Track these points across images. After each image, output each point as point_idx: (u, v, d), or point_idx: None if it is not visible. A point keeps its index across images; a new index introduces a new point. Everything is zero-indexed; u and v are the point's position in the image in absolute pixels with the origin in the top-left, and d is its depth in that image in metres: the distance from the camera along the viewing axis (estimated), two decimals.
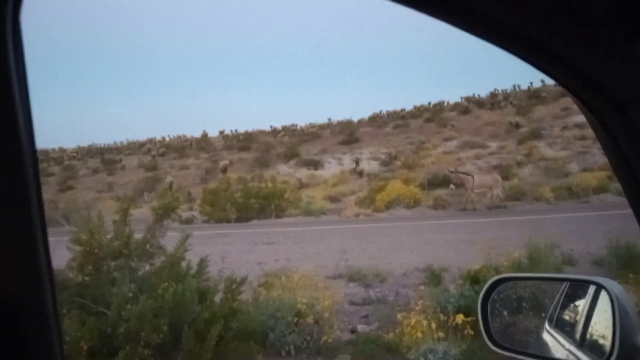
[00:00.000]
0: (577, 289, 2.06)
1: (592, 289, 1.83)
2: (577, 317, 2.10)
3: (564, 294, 2.22)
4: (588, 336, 1.98)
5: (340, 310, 8.66)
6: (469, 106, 48.09)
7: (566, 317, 2.21)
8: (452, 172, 23.26)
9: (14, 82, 0.42)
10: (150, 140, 54.67)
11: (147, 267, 7.47)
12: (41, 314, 0.44)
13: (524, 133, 35.19)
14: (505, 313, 1.97)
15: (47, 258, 0.46)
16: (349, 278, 10.85)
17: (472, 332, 6.58)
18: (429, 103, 52.35)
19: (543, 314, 2.08)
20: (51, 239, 0.64)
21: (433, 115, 46.31)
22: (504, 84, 56.00)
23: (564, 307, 2.23)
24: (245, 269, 10.35)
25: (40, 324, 0.44)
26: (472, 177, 22.37)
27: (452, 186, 23.16)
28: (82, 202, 27.06)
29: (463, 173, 22.89)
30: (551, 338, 2.23)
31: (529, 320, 2.01)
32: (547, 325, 2.32)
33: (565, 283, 2.12)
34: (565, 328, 2.19)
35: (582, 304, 2.04)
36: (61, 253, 6.56)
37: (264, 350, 7.23)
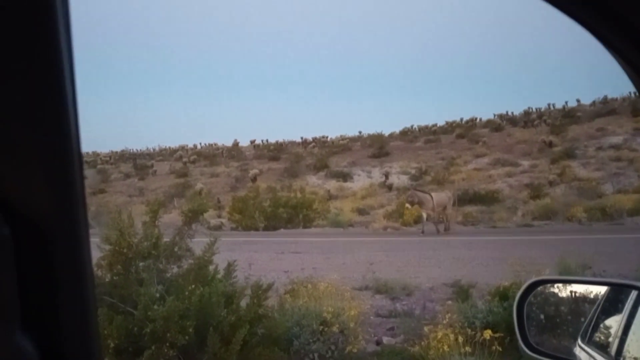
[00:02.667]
0: (615, 298, 2.00)
1: (633, 295, 1.76)
2: (614, 330, 2.04)
3: (599, 307, 2.15)
4: (626, 351, 1.91)
5: (365, 321, 8.59)
6: (501, 123, 47.68)
7: (602, 331, 2.14)
8: (409, 190, 21.77)
9: (67, 79, 0.42)
10: (182, 147, 55.34)
11: (175, 269, 7.51)
12: (83, 310, 0.44)
13: (557, 152, 34.71)
14: (542, 317, 1.92)
15: (89, 257, 0.46)
16: (375, 290, 10.77)
17: (500, 349, 6.46)
18: (461, 119, 52.11)
19: (582, 319, 2.01)
20: None
21: (465, 131, 46.01)
22: (538, 103, 55.45)
23: (600, 319, 2.16)
24: (271, 276, 10.34)
25: (82, 323, 0.44)
26: (431, 195, 20.72)
27: (407, 205, 20.90)
28: (113, 205, 27.45)
29: (421, 191, 21.37)
30: (585, 355, 2.16)
31: (567, 324, 1.94)
32: (579, 341, 2.25)
33: (604, 292, 2.05)
34: (599, 343, 2.12)
35: (620, 315, 1.97)
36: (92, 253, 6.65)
37: (288, 357, 7.19)
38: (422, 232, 20.33)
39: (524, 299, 1.82)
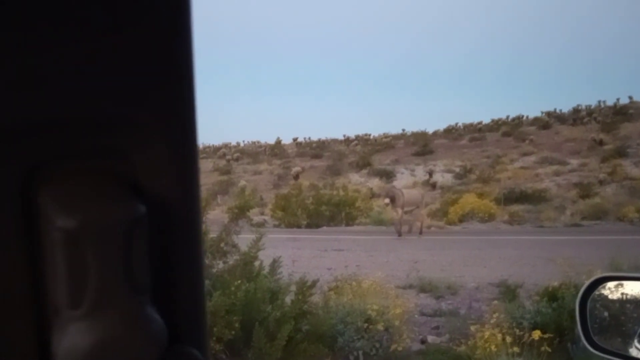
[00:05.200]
0: None
1: None
2: None
3: None
4: None
5: (410, 319, 8.52)
6: (549, 121, 46.63)
7: None
8: (386, 185, 20.43)
9: (190, 70, 0.44)
10: (226, 145, 55.97)
11: (221, 265, 7.60)
12: (195, 290, 0.46)
13: (607, 150, 33.75)
14: (606, 314, 1.86)
15: (202, 241, 0.48)
16: (419, 289, 10.68)
17: (549, 350, 6.32)
18: (507, 117, 51.18)
19: None
20: None
21: (511, 129, 45.19)
22: (588, 99, 54.10)
23: None
24: (315, 273, 10.36)
25: (193, 303, 0.46)
26: (402, 192, 19.25)
27: (386, 200, 19.21)
28: None
29: (394, 187, 20.15)
30: None
31: (632, 323, 1.87)
32: (636, 342, 2.17)
33: None
34: None
35: None
36: None
37: (332, 354, 7.19)
38: (399, 234, 18.72)
39: (587, 296, 1.76)
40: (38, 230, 0.37)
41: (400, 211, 18.80)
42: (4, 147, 0.37)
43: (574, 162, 33.29)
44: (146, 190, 0.41)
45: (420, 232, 19.13)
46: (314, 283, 7.46)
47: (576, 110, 49.08)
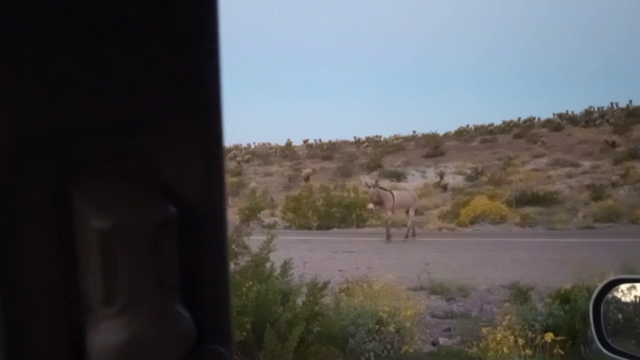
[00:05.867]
0: None
1: None
2: None
3: None
4: None
5: (421, 321, 8.50)
6: (561, 123, 46.32)
7: None
8: (371, 188, 18.61)
9: (218, 73, 0.45)
10: (236, 147, 56.08)
11: (232, 266, 7.63)
12: (221, 290, 0.48)
13: (620, 153, 33.46)
14: (620, 316, 1.85)
15: (227, 240, 0.50)
16: (430, 290, 10.65)
17: (562, 352, 6.29)
18: (519, 119, 50.91)
19: None
20: None
21: (522, 131, 44.94)
22: (600, 102, 53.69)
23: None
24: (326, 275, 10.36)
25: (219, 301, 0.48)
26: (392, 194, 18.38)
27: (370, 205, 18.46)
28: None
29: (382, 189, 18.68)
30: None
31: None
32: None
33: None
34: None
35: None
36: None
37: (344, 355, 7.20)
38: (388, 237, 17.70)
39: (601, 298, 1.77)
40: (71, 231, 0.39)
41: (390, 214, 18.18)
42: (38, 151, 0.38)
43: (586, 164, 33.05)
44: (174, 191, 0.42)
45: (413, 235, 18.40)
46: (325, 285, 7.47)
47: (588, 112, 48.73)
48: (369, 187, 18.79)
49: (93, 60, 0.40)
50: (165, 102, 0.42)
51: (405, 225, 18.95)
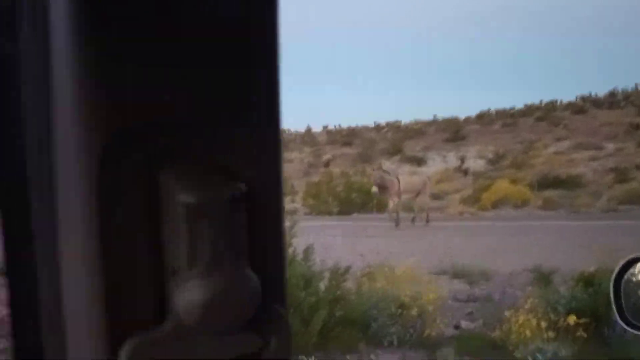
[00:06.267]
0: None
1: None
2: None
3: None
4: None
5: (443, 305, 8.54)
6: (584, 105, 45.63)
7: None
8: (374, 171, 18.19)
9: (278, 67, 0.51)
10: None
11: None
12: (278, 267, 0.54)
13: None
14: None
15: (283, 225, 0.55)
16: (452, 275, 10.68)
17: (585, 335, 6.31)
18: (541, 101, 50.20)
19: None
20: None
21: (545, 114, 44.35)
22: (625, 83, 52.75)
23: None
24: (347, 260, 10.41)
25: (277, 283, 0.54)
26: (398, 179, 17.80)
27: (374, 189, 17.90)
28: None
29: (386, 172, 18.15)
30: None
31: None
32: None
33: None
34: None
35: None
36: None
37: (366, 339, 7.28)
38: (396, 224, 17.19)
39: (622, 275, 1.81)
40: (160, 205, 0.46)
41: (395, 199, 17.66)
42: (131, 139, 0.46)
43: (610, 146, 32.59)
44: (242, 173, 0.49)
45: (427, 220, 17.87)
46: (347, 269, 7.55)
47: (612, 94, 47.94)
48: (373, 171, 18.33)
49: (171, 64, 0.47)
50: (233, 96, 0.49)
51: (422, 210, 18.45)
